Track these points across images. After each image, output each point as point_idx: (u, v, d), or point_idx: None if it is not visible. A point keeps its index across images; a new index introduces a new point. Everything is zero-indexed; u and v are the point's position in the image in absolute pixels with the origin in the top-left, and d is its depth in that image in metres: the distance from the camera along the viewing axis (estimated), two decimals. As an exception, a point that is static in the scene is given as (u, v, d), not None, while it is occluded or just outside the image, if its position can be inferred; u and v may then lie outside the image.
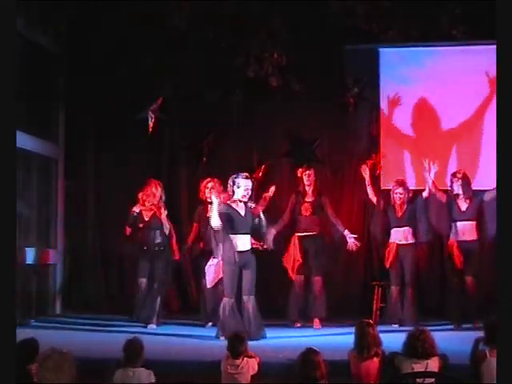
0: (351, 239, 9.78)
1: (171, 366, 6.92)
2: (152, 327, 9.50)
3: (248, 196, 8.76)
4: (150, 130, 10.84)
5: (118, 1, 10.31)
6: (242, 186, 8.68)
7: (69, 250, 11.39)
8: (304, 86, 10.58)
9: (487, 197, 9.46)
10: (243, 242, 8.66)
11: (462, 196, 9.69)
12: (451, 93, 10.68)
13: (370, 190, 10.06)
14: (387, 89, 10.90)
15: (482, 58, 10.49)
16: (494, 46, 10.44)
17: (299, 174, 10.02)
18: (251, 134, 11.15)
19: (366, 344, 6.20)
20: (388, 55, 10.96)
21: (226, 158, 11.24)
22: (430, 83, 10.76)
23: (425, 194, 9.83)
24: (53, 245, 11.19)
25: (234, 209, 8.70)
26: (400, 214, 9.92)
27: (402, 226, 9.88)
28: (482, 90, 10.57)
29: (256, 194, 10.51)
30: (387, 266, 9.89)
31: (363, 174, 10.06)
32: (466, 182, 9.73)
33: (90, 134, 11.47)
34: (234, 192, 8.72)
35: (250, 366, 6.32)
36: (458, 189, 9.70)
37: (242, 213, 8.70)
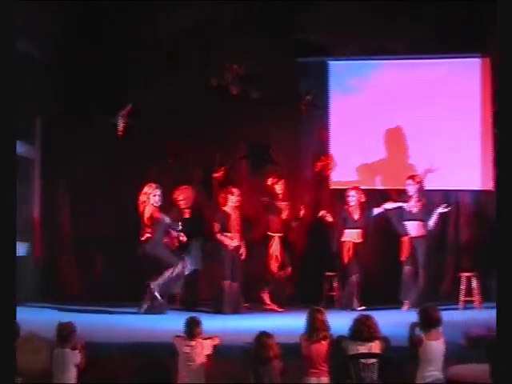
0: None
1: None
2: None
3: None
4: (120, 133, 10.81)
5: (95, 16, 10.31)
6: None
7: (45, 244, 11.28)
8: (261, 95, 10.62)
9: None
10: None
11: (414, 198, 9.90)
12: (392, 101, 10.81)
13: (329, 218, 10.26)
14: (336, 98, 10.98)
15: (420, 71, 10.67)
16: (433, 60, 10.79)
17: (269, 183, 10.14)
18: (213, 138, 11.14)
19: (315, 328, 6.27)
20: (337, 67, 11.05)
21: (190, 159, 11.23)
22: (374, 93, 10.88)
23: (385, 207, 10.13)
24: (27, 239, 11.06)
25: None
26: (356, 217, 10.10)
27: (357, 228, 10.10)
28: (419, 98, 10.72)
29: (217, 194, 10.59)
30: (345, 261, 10.03)
31: (327, 218, 10.26)
32: (422, 185, 9.96)
33: (66, 136, 11.34)
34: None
35: (205, 346, 6.40)
36: (412, 191, 9.88)
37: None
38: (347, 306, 9.79)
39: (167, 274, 9.68)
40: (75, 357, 6.19)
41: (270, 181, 10.27)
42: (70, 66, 10.86)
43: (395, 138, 10.87)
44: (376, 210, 10.17)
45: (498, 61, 5.52)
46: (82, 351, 6.27)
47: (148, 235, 9.75)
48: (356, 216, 10.12)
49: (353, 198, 10.11)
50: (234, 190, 10.06)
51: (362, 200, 10.17)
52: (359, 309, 9.51)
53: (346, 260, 10.05)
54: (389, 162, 10.90)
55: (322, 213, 10.27)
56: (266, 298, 10.18)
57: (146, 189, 9.86)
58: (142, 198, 9.82)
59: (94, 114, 10.84)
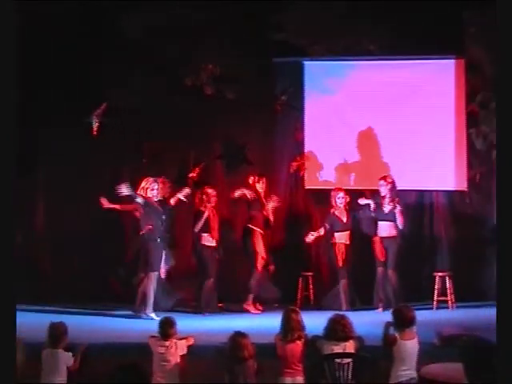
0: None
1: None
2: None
3: None
4: (95, 132, 10.76)
5: (69, 13, 10.23)
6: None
7: (18, 244, 11.15)
8: (236, 95, 10.62)
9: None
10: None
11: (387, 199, 9.96)
12: (368, 101, 10.85)
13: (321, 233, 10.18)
14: (311, 98, 11.00)
15: (395, 72, 10.73)
16: (408, 61, 10.86)
17: (250, 182, 10.08)
18: (188, 137, 11.13)
19: (290, 328, 6.27)
20: (312, 68, 11.07)
21: (164, 158, 11.21)
22: (349, 93, 10.92)
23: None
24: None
25: None
26: (345, 219, 10.10)
27: (346, 231, 10.12)
28: (394, 99, 10.77)
29: (192, 193, 10.59)
30: (340, 264, 10.02)
31: (316, 235, 10.16)
32: (394, 185, 10.00)
33: (40, 134, 11.25)
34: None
35: (179, 346, 6.39)
36: (385, 191, 9.94)
37: None
38: (335, 307, 9.56)
39: (150, 293, 9.45)
40: (67, 358, 6.12)
41: (251, 179, 10.20)
42: (45, 64, 10.78)
43: (370, 139, 10.91)
44: (362, 212, 10.16)
45: (497, 61, 5.45)
46: (80, 355, 6.24)
47: (149, 227, 9.65)
48: (344, 218, 10.11)
49: (342, 200, 10.09)
50: (210, 191, 10.04)
51: (348, 200, 10.17)
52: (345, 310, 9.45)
53: (340, 262, 10.03)
54: (364, 162, 10.94)
55: (310, 237, 10.14)
56: (251, 308, 9.99)
57: (143, 183, 9.75)
58: (140, 192, 9.72)
59: (69, 114, 10.76)
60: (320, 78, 11.06)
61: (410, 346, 6.09)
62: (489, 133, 10.15)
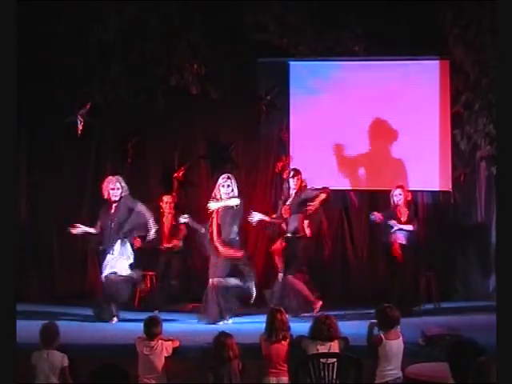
0: None
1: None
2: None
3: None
4: (79, 132, 10.73)
5: (51, 13, 10.18)
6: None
7: None
8: (221, 95, 10.63)
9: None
10: None
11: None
12: (353, 102, 10.87)
13: None
14: (296, 98, 11.02)
15: (380, 72, 10.76)
16: (391, 62, 10.90)
17: (285, 176, 9.86)
18: (173, 137, 11.14)
19: (274, 328, 6.29)
20: (297, 68, 11.08)
21: (149, 158, 11.20)
22: (334, 94, 10.94)
23: None
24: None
25: None
26: (404, 217, 9.74)
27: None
28: (379, 99, 10.79)
29: (177, 192, 10.59)
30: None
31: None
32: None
33: (23, 134, 11.18)
34: None
35: (164, 347, 6.39)
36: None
37: None
38: None
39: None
40: (63, 358, 6.09)
41: (285, 174, 9.84)
42: (30, 64, 10.72)
43: (355, 139, 10.94)
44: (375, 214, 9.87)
45: (497, 63, 5.45)
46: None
47: None
48: (403, 216, 9.71)
49: (399, 197, 9.74)
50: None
51: (409, 198, 9.87)
52: None
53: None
54: (349, 162, 10.96)
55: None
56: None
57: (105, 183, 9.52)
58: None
59: (52, 113, 10.72)
60: (305, 78, 11.07)
61: (395, 345, 6.12)
62: (473, 134, 10.20)
